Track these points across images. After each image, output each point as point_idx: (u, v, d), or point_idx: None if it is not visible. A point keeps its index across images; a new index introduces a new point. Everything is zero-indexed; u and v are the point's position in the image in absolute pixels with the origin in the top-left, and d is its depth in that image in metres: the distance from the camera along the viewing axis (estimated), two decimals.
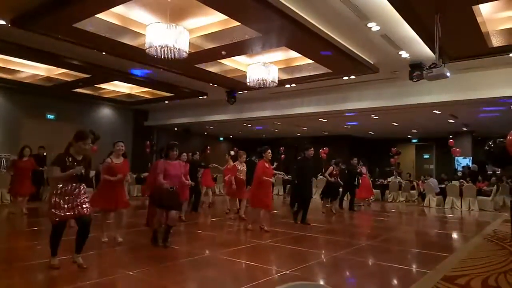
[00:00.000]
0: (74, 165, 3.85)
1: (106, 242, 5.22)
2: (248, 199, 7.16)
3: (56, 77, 10.92)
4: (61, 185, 3.82)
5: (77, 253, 3.99)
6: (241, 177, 8.10)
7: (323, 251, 5.50)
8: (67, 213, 3.80)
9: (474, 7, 5.78)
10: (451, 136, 15.27)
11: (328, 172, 9.31)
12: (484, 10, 6.09)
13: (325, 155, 11.00)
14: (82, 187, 3.96)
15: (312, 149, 7.73)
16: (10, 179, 7.97)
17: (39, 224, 7.04)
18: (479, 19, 6.16)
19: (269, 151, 6.77)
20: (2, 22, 6.77)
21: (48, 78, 11.06)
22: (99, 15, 6.51)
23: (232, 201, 8.54)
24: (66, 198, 3.81)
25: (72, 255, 3.99)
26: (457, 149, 14.11)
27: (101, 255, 4.84)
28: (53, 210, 3.77)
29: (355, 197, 10.32)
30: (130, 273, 3.98)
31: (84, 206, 3.90)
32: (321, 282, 4.11)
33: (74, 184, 3.89)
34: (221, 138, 22.03)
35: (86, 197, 3.98)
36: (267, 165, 6.69)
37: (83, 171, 3.87)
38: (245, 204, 8.16)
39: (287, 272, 4.21)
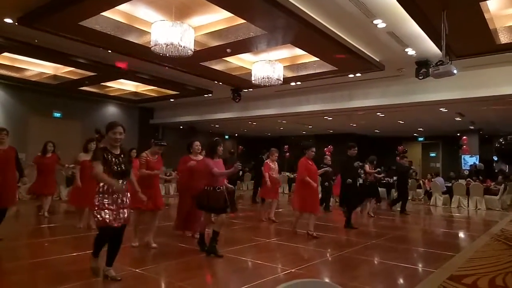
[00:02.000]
0: (113, 160, 3.54)
1: (136, 247, 4.97)
2: (293, 202, 6.46)
3: (63, 75, 10.98)
4: (103, 184, 3.51)
5: (109, 266, 3.64)
6: (274, 175, 7.78)
7: (329, 250, 5.48)
8: (111, 219, 3.46)
9: (481, 3, 5.69)
10: (458, 134, 15.15)
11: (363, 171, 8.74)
12: (492, 6, 6.01)
13: (329, 153, 10.97)
14: (124, 185, 3.64)
15: (356, 147, 7.30)
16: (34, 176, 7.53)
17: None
18: (486, 16, 6.07)
19: (313, 149, 6.22)
20: (10, 21, 6.81)
21: (54, 76, 11.13)
22: (105, 13, 6.53)
23: (267, 203, 8.05)
24: (109, 196, 3.50)
25: (103, 268, 3.66)
26: (466, 148, 13.98)
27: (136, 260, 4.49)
28: (97, 212, 3.47)
29: (407, 199, 10.00)
30: None
31: (126, 212, 3.60)
32: (327, 281, 4.10)
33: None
34: (227, 136, 22.04)
35: (128, 199, 3.66)
36: (310, 162, 6.21)
37: (123, 166, 3.58)
38: (275, 205, 7.93)
39: (292, 270, 4.20)
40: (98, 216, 3.46)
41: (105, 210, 3.46)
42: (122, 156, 3.64)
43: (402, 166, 10.17)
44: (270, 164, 7.82)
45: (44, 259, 4.52)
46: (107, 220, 3.45)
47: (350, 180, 7.08)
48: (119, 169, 3.55)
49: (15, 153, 5.33)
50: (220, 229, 4.71)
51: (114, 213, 3.49)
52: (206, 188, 4.63)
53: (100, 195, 3.49)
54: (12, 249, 4.95)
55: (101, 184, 3.50)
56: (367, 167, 8.78)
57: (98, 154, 3.57)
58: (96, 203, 3.48)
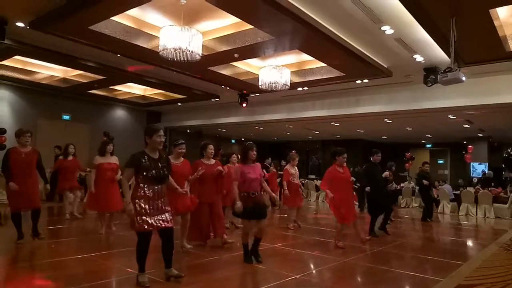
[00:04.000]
0: (152, 164, 3.53)
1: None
2: (333, 212, 6.01)
3: (72, 78, 11.12)
4: (143, 189, 3.51)
5: (168, 267, 3.72)
6: (295, 181, 7.50)
7: (335, 256, 5.43)
8: (152, 222, 3.48)
9: (491, 11, 5.66)
10: (465, 142, 15.00)
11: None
12: (501, 14, 5.97)
13: None
14: (163, 190, 3.64)
15: (380, 153, 7.04)
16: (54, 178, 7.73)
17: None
18: (496, 23, 6.03)
19: (345, 155, 5.83)
20: (21, 25, 6.93)
21: (64, 79, 11.28)
22: (115, 18, 6.61)
23: (292, 210, 7.76)
24: (150, 202, 3.51)
25: (163, 272, 3.74)
26: (468, 155, 13.84)
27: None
28: (137, 218, 3.46)
29: (433, 207, 9.84)
30: None
31: (167, 215, 3.60)
32: None
33: (157, 187, 3.57)
34: (233, 141, 22.08)
35: (168, 203, 3.68)
36: (340, 170, 5.83)
37: (161, 171, 3.57)
38: (300, 212, 7.79)
39: (297, 276, 4.18)
40: (137, 221, 3.45)
41: (143, 216, 3.46)
42: (161, 160, 3.62)
43: (427, 172, 9.96)
44: (290, 169, 7.54)
45: (59, 259, 4.56)
46: (145, 226, 3.45)
47: (369, 188, 6.88)
48: (157, 174, 3.54)
49: (38, 156, 5.32)
50: (261, 235, 4.68)
51: (154, 218, 3.49)
52: (242, 194, 4.54)
53: (138, 200, 3.48)
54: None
55: (141, 189, 3.50)
56: (386, 173, 8.32)
57: (132, 160, 3.55)
58: (136, 210, 3.46)
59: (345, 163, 5.90)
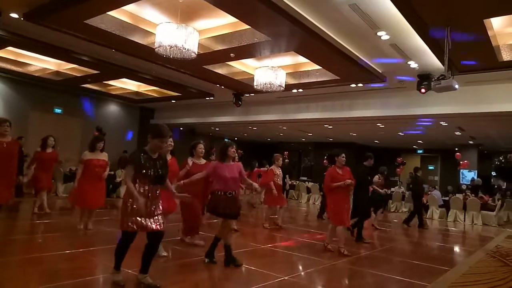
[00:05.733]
0: (150, 164, 3.39)
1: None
2: (327, 214, 6.06)
3: (65, 71, 11.02)
4: (138, 189, 3.36)
5: (144, 273, 3.47)
6: (279, 182, 7.63)
7: (323, 259, 5.46)
8: (143, 223, 3.33)
9: (485, 21, 5.74)
10: (456, 149, 15.17)
11: (374, 181, 8.34)
12: (495, 24, 6.06)
13: (327, 162, 10.98)
14: (158, 191, 3.48)
15: (372, 159, 7.04)
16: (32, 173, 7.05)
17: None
18: (490, 33, 6.12)
19: (343, 155, 5.72)
20: (15, 16, 6.84)
21: (57, 73, 11.17)
22: (111, 13, 6.57)
23: (270, 210, 7.90)
24: (145, 202, 3.36)
25: (137, 275, 3.53)
26: (465, 161, 13.97)
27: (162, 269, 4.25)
28: (127, 217, 3.33)
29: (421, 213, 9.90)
30: None
31: (159, 217, 3.44)
32: None
33: (153, 187, 3.43)
34: (226, 140, 22.08)
35: (160, 205, 3.51)
36: (340, 172, 5.69)
37: (159, 171, 3.43)
38: (282, 211, 7.87)
39: (285, 278, 4.19)
40: (127, 221, 3.32)
41: (134, 216, 3.32)
42: (159, 160, 3.49)
43: (419, 179, 10.05)
44: (275, 170, 7.62)
45: (38, 255, 4.50)
46: (135, 226, 3.32)
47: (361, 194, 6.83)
48: (154, 173, 3.40)
49: (18, 147, 5.04)
50: (228, 237, 4.61)
51: (146, 219, 3.34)
52: (218, 193, 4.44)
53: (131, 200, 3.34)
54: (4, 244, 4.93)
55: (135, 187, 3.36)
56: (376, 177, 8.50)
57: (134, 157, 3.41)
58: (127, 208, 3.34)
59: (344, 163, 5.76)
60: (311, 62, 8.40)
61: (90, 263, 4.40)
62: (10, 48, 9.22)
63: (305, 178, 19.93)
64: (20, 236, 5.57)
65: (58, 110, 13.28)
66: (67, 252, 4.72)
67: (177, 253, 4.99)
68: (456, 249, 7.46)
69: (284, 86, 8.15)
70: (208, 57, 8.13)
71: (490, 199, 12.13)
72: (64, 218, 7.40)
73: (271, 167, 7.81)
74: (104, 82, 12.21)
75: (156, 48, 6.11)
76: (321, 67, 8.60)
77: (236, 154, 5.20)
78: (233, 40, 7.31)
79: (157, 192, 3.47)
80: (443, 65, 6.62)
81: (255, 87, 8.19)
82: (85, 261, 4.47)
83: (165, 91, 12.74)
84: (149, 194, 3.39)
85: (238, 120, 13.95)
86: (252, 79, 8.37)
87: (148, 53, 7.83)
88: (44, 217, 7.14)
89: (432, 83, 6.97)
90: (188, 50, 6.03)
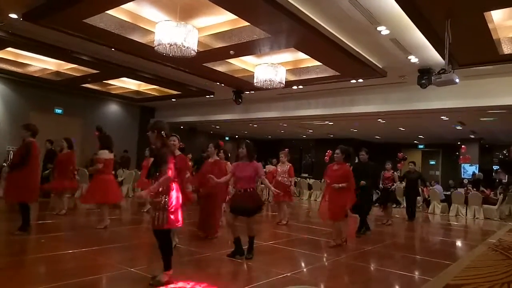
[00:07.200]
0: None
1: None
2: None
3: (65, 72, 11.01)
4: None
5: (165, 270, 3.55)
6: (279, 179, 7.77)
7: (325, 255, 5.47)
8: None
9: (485, 13, 5.71)
10: (459, 143, 15.13)
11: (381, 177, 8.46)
12: (496, 17, 6.02)
13: (328, 158, 10.92)
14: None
15: (364, 152, 7.10)
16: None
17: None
18: (490, 26, 6.08)
19: (337, 151, 5.84)
20: (14, 16, 6.83)
21: (57, 73, 11.16)
22: (110, 12, 6.55)
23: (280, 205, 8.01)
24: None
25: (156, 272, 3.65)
26: (467, 156, 13.93)
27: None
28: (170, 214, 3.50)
29: (415, 205, 10.02)
30: None
31: (157, 213, 3.45)
32: (322, 287, 4.10)
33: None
34: (227, 138, 22.07)
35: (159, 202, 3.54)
36: (335, 167, 5.77)
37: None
38: (285, 208, 7.98)
39: (288, 274, 4.20)
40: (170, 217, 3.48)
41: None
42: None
43: (413, 171, 10.05)
44: (278, 167, 7.94)
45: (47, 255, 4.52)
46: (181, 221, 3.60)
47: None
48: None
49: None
50: (250, 233, 4.79)
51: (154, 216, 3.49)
52: (237, 191, 4.76)
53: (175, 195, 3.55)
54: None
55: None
56: (391, 173, 8.67)
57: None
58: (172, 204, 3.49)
59: (341, 160, 5.77)
60: (311, 58, 8.38)
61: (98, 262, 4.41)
62: (9, 49, 9.22)
63: (306, 175, 19.95)
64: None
65: (58, 111, 13.28)
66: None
67: (181, 250, 5.00)
68: (458, 243, 7.46)
69: (284, 82, 8.14)
70: (208, 54, 8.10)
71: (492, 193, 12.12)
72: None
73: (274, 166, 8.06)
74: (104, 81, 12.20)
75: (155, 46, 6.10)
76: (321, 63, 8.58)
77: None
78: (233, 37, 7.28)
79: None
80: (444, 59, 6.60)
81: (255, 84, 8.17)
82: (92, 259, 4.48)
83: (165, 89, 12.72)
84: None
85: (239, 118, 13.94)
86: (252, 76, 8.35)
87: (147, 52, 7.82)
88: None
89: (432, 77, 6.94)
90: (187, 48, 6.02)
